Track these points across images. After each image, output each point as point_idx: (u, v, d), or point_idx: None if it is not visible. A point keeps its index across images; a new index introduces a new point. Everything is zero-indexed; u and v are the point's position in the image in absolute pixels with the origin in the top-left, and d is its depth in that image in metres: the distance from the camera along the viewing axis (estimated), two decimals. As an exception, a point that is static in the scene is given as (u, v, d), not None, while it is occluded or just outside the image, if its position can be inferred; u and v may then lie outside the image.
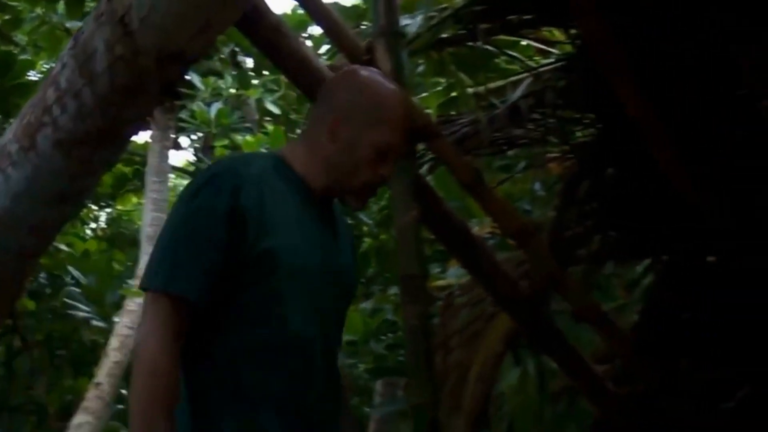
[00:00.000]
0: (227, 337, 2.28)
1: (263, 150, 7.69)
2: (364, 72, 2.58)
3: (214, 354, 2.28)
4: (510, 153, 4.61)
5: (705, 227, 3.45)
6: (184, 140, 11.86)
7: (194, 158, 11.99)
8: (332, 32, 3.76)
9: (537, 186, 4.83)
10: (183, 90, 9.29)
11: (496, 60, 4.64)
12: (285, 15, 8.19)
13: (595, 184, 3.88)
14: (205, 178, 2.33)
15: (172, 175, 10.79)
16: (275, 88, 9.51)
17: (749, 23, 2.99)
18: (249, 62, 10.29)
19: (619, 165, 3.82)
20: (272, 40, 3.57)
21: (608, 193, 3.89)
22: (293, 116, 9.54)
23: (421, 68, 5.02)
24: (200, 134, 10.84)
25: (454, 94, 4.73)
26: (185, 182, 11.90)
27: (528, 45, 4.68)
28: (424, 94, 5.24)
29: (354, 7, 6.97)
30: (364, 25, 5.16)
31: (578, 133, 4.15)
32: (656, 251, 4.01)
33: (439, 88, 5.20)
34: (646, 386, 3.79)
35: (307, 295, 2.32)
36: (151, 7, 2.54)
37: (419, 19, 4.09)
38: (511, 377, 4.47)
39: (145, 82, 2.66)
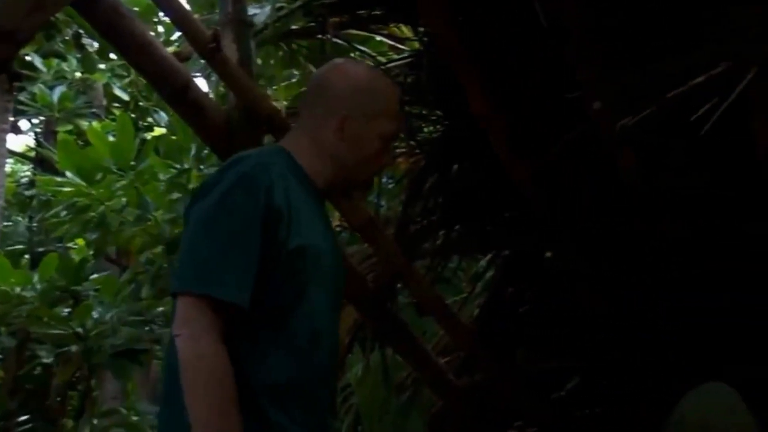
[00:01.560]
0: (258, 335, 2.31)
1: (110, 136, 7.65)
2: (356, 64, 2.81)
3: (250, 355, 2.29)
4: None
5: (542, 223, 3.59)
6: (24, 124, 11.63)
7: (35, 143, 11.70)
8: (177, 19, 3.75)
9: (386, 180, 4.93)
10: (23, 71, 9.10)
11: (350, 54, 4.70)
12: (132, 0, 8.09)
13: (440, 180, 4.01)
14: (236, 176, 2.34)
15: (10, 161, 10.65)
16: (124, 73, 9.41)
17: (583, 26, 3.16)
18: (95, 45, 10.13)
19: (464, 161, 3.96)
20: (111, 22, 3.56)
21: (453, 188, 4.02)
22: (143, 103, 9.44)
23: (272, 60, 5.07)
24: (42, 118, 10.59)
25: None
26: (25, 168, 11.74)
27: (382, 41, 4.78)
28: (275, 87, 5.29)
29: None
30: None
31: (425, 129, 4.27)
32: (498, 246, 4.17)
33: (294, 80, 5.26)
34: (486, 377, 3.96)
35: (326, 291, 2.41)
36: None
37: (267, 9, 4.13)
38: (357, 369, 4.62)
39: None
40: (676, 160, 3.16)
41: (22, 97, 9.42)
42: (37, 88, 9.38)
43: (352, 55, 4.58)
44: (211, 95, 4.68)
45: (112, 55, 9.49)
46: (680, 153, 3.14)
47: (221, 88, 4.43)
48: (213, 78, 4.70)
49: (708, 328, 3.29)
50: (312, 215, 2.41)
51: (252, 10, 4.13)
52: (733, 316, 3.20)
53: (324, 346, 2.40)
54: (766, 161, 2.91)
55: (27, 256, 9.16)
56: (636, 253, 3.50)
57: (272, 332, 2.32)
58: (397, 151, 4.26)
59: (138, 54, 3.64)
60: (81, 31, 9.59)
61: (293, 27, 4.16)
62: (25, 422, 9.09)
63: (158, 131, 9.00)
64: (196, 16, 5.04)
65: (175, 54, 4.70)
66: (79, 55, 9.54)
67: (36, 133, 11.74)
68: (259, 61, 4.47)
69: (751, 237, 3.05)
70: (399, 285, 3.93)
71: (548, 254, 3.93)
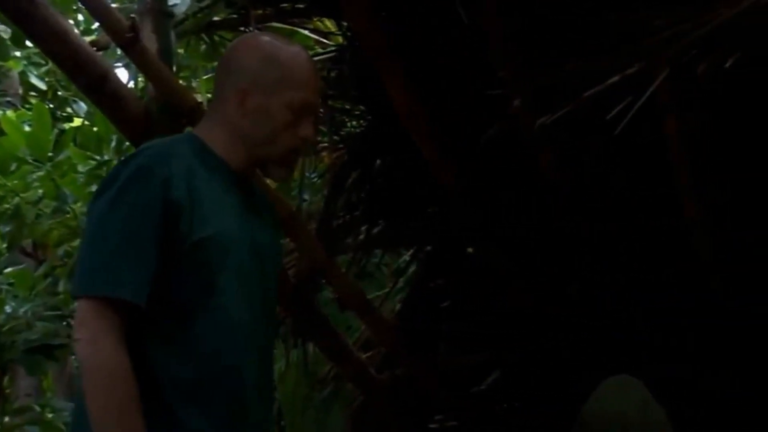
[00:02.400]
0: (169, 333, 2.25)
1: (26, 126, 7.53)
2: (263, 37, 2.62)
3: (153, 353, 2.23)
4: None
5: (464, 219, 3.67)
6: (-65, 113, 11.36)
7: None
8: (94, 8, 3.69)
9: (310, 174, 4.95)
10: None
11: None
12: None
13: (363, 175, 4.05)
14: (131, 171, 2.25)
15: None
16: (41, 61, 9.27)
17: (503, 26, 3.23)
18: (9, 32, 9.94)
19: (387, 156, 4.01)
20: (23, 9, 3.48)
21: (376, 183, 4.06)
22: (61, 92, 9.31)
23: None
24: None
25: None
26: None
27: (308, 35, 4.75)
28: (200, 78, 5.28)
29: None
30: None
31: (349, 124, 4.30)
32: (420, 241, 4.22)
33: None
34: (406, 372, 4.04)
35: (240, 280, 2.31)
36: None
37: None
38: (279, 364, 4.65)
39: None
40: (593, 157, 3.24)
41: None
42: None
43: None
44: (131, 86, 4.67)
45: (29, 43, 9.35)
46: (597, 151, 3.21)
47: (141, 80, 4.42)
48: (134, 68, 4.67)
49: (617, 322, 3.40)
50: (223, 205, 2.32)
51: (172, 1, 4.05)
52: (640, 311, 3.31)
53: (240, 341, 2.30)
54: (677, 159, 3.02)
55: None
56: (553, 248, 3.59)
57: (178, 328, 2.25)
58: (321, 145, 4.30)
59: (52, 42, 3.57)
60: (-3, 19, 9.43)
61: (215, 18, 4.13)
62: None
63: (77, 122, 8.78)
64: (114, 5, 5.05)
65: (93, 43, 4.62)
66: None
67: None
68: (182, 52, 4.47)
69: (664, 234, 3.15)
70: (321, 280, 3.97)
71: (469, 250, 3.99)
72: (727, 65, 2.55)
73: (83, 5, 3.85)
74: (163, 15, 3.87)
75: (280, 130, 2.35)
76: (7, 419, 7.94)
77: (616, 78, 2.74)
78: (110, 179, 2.31)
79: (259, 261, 2.39)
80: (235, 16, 4.11)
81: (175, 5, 4.07)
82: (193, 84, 5.41)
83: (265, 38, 2.57)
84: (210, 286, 2.26)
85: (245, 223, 2.37)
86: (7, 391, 8.68)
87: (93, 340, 2.16)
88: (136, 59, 3.64)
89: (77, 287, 2.25)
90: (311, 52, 4.39)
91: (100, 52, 4.45)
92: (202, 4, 4.14)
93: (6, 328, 7.48)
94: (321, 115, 3.99)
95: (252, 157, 2.39)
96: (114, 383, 2.13)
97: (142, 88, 4.15)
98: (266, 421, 2.45)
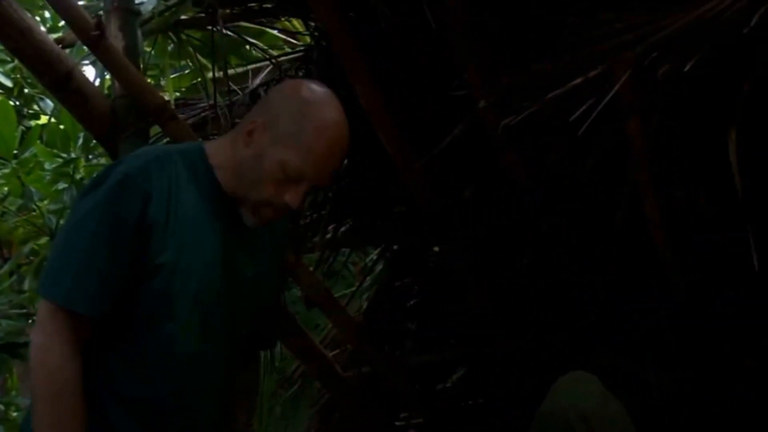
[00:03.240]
0: (115, 346, 2.27)
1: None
2: (313, 87, 2.44)
3: (99, 361, 2.25)
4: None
5: (430, 219, 3.68)
6: None
7: None
8: (59, 5, 3.65)
9: None
10: None
11: (247, 47, 4.62)
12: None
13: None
14: (117, 177, 2.23)
15: None
16: (7, 58, 9.20)
17: (469, 29, 3.26)
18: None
19: (353, 156, 3.95)
20: None
21: (343, 182, 4.06)
22: (28, 90, 9.25)
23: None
24: None
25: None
26: None
27: (277, 35, 4.76)
28: (168, 77, 5.27)
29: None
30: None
31: None
32: (387, 240, 4.25)
33: (187, 71, 5.24)
34: (373, 369, 4.06)
35: (200, 312, 2.28)
36: None
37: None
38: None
39: None
40: (557, 158, 3.28)
41: None
42: None
43: (247, 48, 4.63)
44: (98, 84, 4.65)
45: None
46: (561, 151, 3.26)
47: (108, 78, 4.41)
48: (100, 66, 4.66)
49: (577, 320, 3.46)
50: (203, 230, 2.29)
51: None
52: (600, 309, 3.37)
53: (180, 373, 2.30)
54: (639, 159, 3.06)
55: None
56: (517, 248, 3.64)
57: (126, 345, 2.28)
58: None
59: (16, 39, 3.52)
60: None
61: (182, 17, 4.08)
62: None
63: (44, 119, 8.78)
64: (81, 2, 5.03)
65: (59, 41, 4.58)
66: None
67: None
68: (149, 50, 4.47)
69: (626, 233, 3.19)
70: (288, 278, 3.99)
71: (435, 249, 4.03)
72: (687, 68, 2.60)
73: (49, 2, 3.79)
74: (129, 13, 3.85)
75: (266, 182, 2.27)
76: None
77: (578, 80, 2.78)
78: (100, 178, 2.29)
79: (232, 294, 2.35)
80: (202, 14, 4.07)
81: (141, 3, 4.06)
82: (161, 82, 5.39)
83: (315, 92, 2.42)
84: (164, 311, 2.25)
85: (225, 252, 2.33)
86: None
87: (45, 346, 2.18)
88: (102, 57, 3.60)
89: (41, 286, 2.25)
90: (277, 52, 4.44)
91: (66, 50, 4.42)
92: (169, 3, 4.11)
93: None
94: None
95: (236, 187, 2.33)
96: (56, 392, 2.16)
97: (109, 86, 4.13)
98: None
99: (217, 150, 2.38)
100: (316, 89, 2.42)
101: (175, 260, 2.23)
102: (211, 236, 2.31)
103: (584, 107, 2.73)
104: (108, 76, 3.96)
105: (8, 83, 9.11)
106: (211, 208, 2.32)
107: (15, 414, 7.96)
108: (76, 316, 2.19)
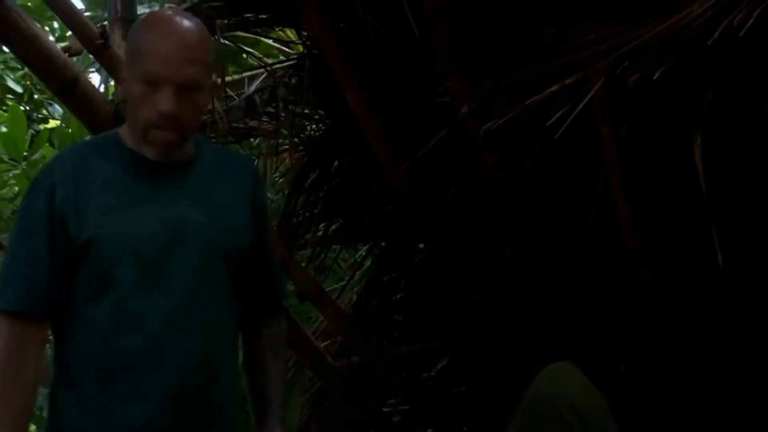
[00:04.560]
0: (71, 320, 2.22)
1: (2, 127, 7.41)
2: (147, 16, 2.39)
3: (64, 338, 2.23)
4: (253, 142, 4.67)
5: (415, 217, 3.68)
6: None
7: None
8: (65, 16, 3.66)
9: (273, 174, 4.92)
10: None
11: (243, 55, 4.65)
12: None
13: (321, 175, 4.05)
14: (30, 183, 2.26)
15: None
16: (18, 65, 9.14)
17: (451, 40, 3.27)
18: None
19: (343, 158, 4.02)
20: None
21: (333, 183, 4.06)
22: (37, 96, 9.18)
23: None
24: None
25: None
26: None
27: (271, 44, 4.78)
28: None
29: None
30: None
31: (308, 128, 4.31)
32: (375, 237, 4.24)
33: None
34: (361, 359, 4.05)
35: (146, 268, 2.17)
36: None
37: (156, 8, 4.04)
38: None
39: None
40: (535, 160, 3.28)
41: None
42: None
43: (244, 56, 4.63)
44: (102, 89, 4.62)
45: (6, 48, 9.20)
46: (539, 154, 3.26)
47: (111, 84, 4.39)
48: (104, 73, 4.63)
49: (554, 311, 3.48)
50: (124, 199, 2.20)
51: (141, 9, 4.00)
52: (575, 301, 3.37)
53: (141, 329, 2.18)
54: (610, 161, 3.07)
55: None
56: (497, 244, 3.65)
57: (81, 318, 2.21)
58: (282, 148, 4.31)
59: (25, 47, 3.47)
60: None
61: None
62: None
63: (53, 123, 8.75)
64: (86, 13, 5.00)
65: (66, 49, 4.57)
66: None
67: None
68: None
69: (598, 230, 3.19)
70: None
71: (420, 246, 4.02)
72: (656, 77, 2.59)
73: (56, 13, 3.80)
74: (131, 23, 3.59)
75: (139, 105, 2.17)
76: None
77: (555, 87, 2.77)
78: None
79: (184, 243, 2.22)
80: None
81: (143, 14, 3.89)
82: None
83: (148, 17, 2.35)
84: (110, 279, 2.17)
85: (159, 206, 2.22)
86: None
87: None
88: (106, 64, 3.60)
89: None
90: (272, 60, 4.43)
91: (73, 58, 4.40)
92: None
93: None
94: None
95: (131, 135, 2.24)
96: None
97: (113, 92, 4.10)
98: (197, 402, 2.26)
99: (124, 129, 2.31)
100: (153, 14, 2.39)
101: (99, 232, 2.16)
102: (136, 197, 2.22)
103: (559, 113, 2.72)
104: (111, 83, 3.92)
105: (19, 89, 9.05)
106: (132, 173, 2.23)
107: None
108: (16, 317, 2.18)
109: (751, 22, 2.41)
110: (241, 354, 2.50)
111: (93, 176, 2.21)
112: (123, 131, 2.29)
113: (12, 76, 8.96)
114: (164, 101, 2.13)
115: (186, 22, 2.22)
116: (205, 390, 2.25)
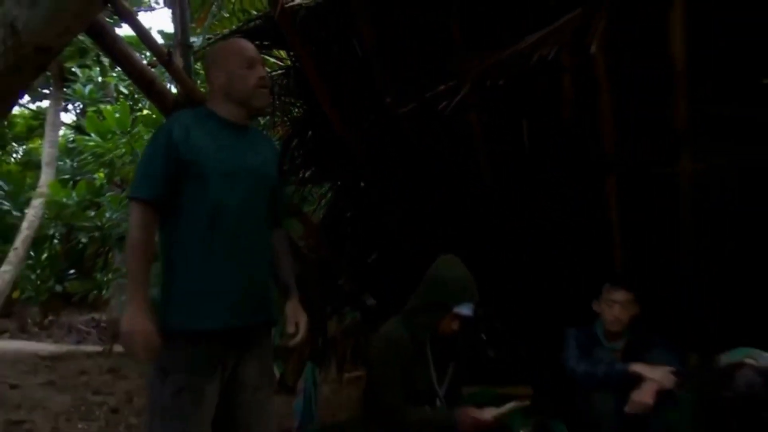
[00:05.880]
0: (187, 216, 1.97)
1: (116, 114, 7.29)
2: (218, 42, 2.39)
3: (179, 229, 1.98)
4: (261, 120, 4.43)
5: (359, 166, 3.46)
6: (70, 107, 10.76)
7: (75, 118, 10.94)
8: (148, 44, 3.59)
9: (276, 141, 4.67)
10: (69, 76, 8.66)
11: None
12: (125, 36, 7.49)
13: (301, 141, 3.82)
14: (157, 128, 2.09)
15: (62, 128, 10.01)
16: (125, 77, 8.83)
17: (381, 53, 3.02)
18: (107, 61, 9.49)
19: (315, 130, 3.75)
20: (109, 44, 3.39)
21: (308, 146, 3.83)
22: (137, 95, 8.98)
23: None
24: (79, 104, 9.93)
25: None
26: (69, 132, 11.10)
27: (270, 59, 4.53)
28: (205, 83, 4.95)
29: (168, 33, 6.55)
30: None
31: (293, 111, 4.00)
32: (334, 178, 4.00)
33: None
34: (327, 254, 3.83)
35: (227, 180, 1.97)
36: (29, 18, 2.28)
37: (201, 38, 4.06)
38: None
39: (24, 65, 2.35)
40: (433, 135, 3.07)
41: (68, 90, 8.89)
42: (77, 86, 8.97)
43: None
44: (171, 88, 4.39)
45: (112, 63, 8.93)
46: (436, 130, 3.04)
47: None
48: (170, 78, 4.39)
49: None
50: (213, 139, 2.01)
51: (192, 39, 4.01)
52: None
53: (231, 219, 1.97)
54: (478, 140, 2.84)
55: (71, 182, 8.61)
56: (409, 186, 3.38)
57: (193, 210, 1.96)
58: (277, 123, 4.07)
59: (124, 63, 3.44)
60: (100, 53, 8.98)
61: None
62: (72, 275, 8.91)
63: (145, 111, 8.59)
64: (160, 41, 4.84)
65: (149, 63, 4.41)
66: (98, 67, 8.99)
67: (76, 112, 10.97)
68: (197, 67, 4.16)
69: (467, 193, 2.98)
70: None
71: (362, 184, 3.75)
72: (501, 83, 2.47)
73: (143, 42, 3.65)
74: (186, 47, 3.81)
75: (245, 77, 2.03)
76: (110, 275, 7.68)
77: (441, 87, 2.61)
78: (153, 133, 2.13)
79: (247, 170, 2.03)
80: None
81: (193, 42, 4.00)
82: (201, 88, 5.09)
83: (220, 44, 2.21)
84: (205, 183, 1.96)
85: (231, 148, 2.03)
86: (110, 257, 8.38)
87: (131, 225, 1.97)
88: (171, 73, 3.59)
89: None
90: (272, 70, 4.17)
91: (152, 68, 4.14)
92: (209, 42, 3.92)
93: (107, 225, 7.37)
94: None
95: (238, 102, 2.04)
96: (133, 251, 1.93)
97: (177, 90, 3.91)
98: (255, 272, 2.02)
99: (209, 101, 2.11)
100: (213, 48, 2.23)
101: (197, 157, 1.98)
102: (219, 141, 2.03)
103: (443, 104, 2.57)
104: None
105: (126, 91, 8.98)
106: (215, 128, 2.04)
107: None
108: (143, 202, 1.95)
109: (553, 54, 2.31)
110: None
111: (197, 127, 2.02)
112: (212, 105, 2.09)
113: (123, 84, 8.86)
114: (262, 71, 2.07)
115: (239, 39, 2.19)
116: (260, 269, 2.04)
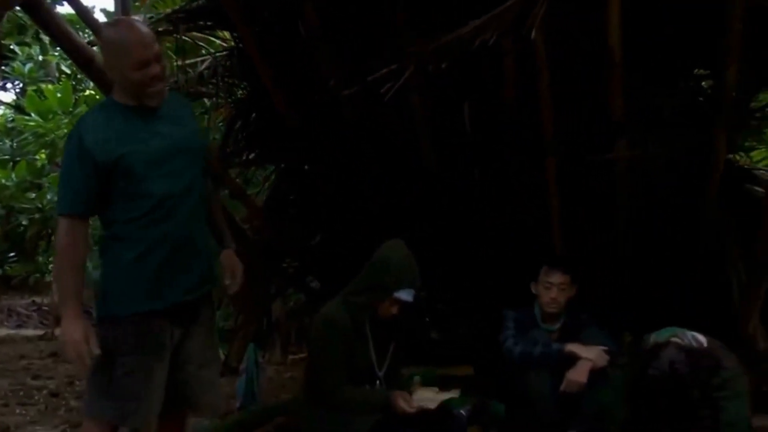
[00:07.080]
0: (110, 220, 1.91)
1: (58, 94, 7.02)
2: (110, 33, 1.97)
3: (115, 221, 1.91)
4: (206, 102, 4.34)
5: (303, 149, 3.37)
6: (9, 85, 10.27)
7: (14, 97, 10.48)
8: (87, 22, 3.67)
9: (216, 122, 4.50)
10: (7, 54, 8.28)
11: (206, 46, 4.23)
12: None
13: (244, 122, 3.70)
14: (68, 135, 1.97)
15: (1, 107, 9.67)
16: (67, 57, 8.47)
17: (325, 39, 2.95)
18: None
19: (258, 112, 3.64)
20: (46, 21, 3.28)
21: (252, 127, 3.70)
22: (80, 75, 8.58)
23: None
24: (18, 82, 9.50)
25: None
26: (9, 112, 10.63)
27: (215, 41, 4.34)
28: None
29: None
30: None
31: (237, 92, 3.88)
32: (277, 161, 3.89)
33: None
34: (271, 236, 3.71)
35: (157, 166, 1.89)
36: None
37: (142, 17, 3.87)
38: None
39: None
40: (377, 115, 3.01)
41: (6, 69, 8.55)
42: (16, 64, 8.68)
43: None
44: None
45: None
46: (379, 110, 2.93)
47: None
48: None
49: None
50: (127, 127, 1.91)
51: (134, 17, 3.70)
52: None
53: (153, 201, 1.92)
54: (420, 117, 2.79)
55: (10, 163, 8.21)
56: (343, 164, 3.31)
57: (128, 204, 1.90)
58: (221, 105, 3.96)
59: (62, 40, 3.35)
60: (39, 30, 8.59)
61: (159, 29, 3.59)
62: (12, 257, 8.66)
63: (88, 92, 8.24)
64: (104, 20, 4.61)
65: (89, 42, 4.19)
66: (38, 45, 8.61)
67: (15, 92, 10.48)
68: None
69: (407, 167, 2.93)
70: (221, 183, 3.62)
71: (305, 167, 3.65)
72: (444, 66, 2.43)
73: (83, 21, 3.72)
74: None
75: (139, 71, 1.87)
76: (52, 258, 7.44)
77: (385, 70, 2.49)
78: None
79: (172, 149, 1.94)
80: (170, 28, 3.61)
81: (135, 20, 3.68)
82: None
83: (112, 33, 1.96)
84: (136, 175, 1.88)
85: (149, 132, 1.93)
86: (53, 241, 8.07)
87: (61, 232, 1.90)
88: None
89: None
90: (214, 50, 4.04)
91: (93, 47, 3.94)
92: (152, 20, 3.77)
93: (48, 207, 7.19)
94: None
95: (134, 93, 1.91)
96: (60, 259, 1.90)
97: None
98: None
99: (113, 91, 1.97)
100: (107, 33, 2.00)
101: (118, 153, 1.88)
102: (134, 130, 1.92)
103: (387, 86, 2.45)
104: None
105: (68, 71, 8.67)
106: (127, 119, 1.93)
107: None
108: (69, 216, 1.88)
109: (493, 40, 2.27)
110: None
111: (108, 124, 1.91)
112: (117, 97, 1.96)
113: (65, 63, 8.51)
114: (155, 70, 1.90)
115: (131, 25, 1.95)
116: (200, 241, 2.00)
